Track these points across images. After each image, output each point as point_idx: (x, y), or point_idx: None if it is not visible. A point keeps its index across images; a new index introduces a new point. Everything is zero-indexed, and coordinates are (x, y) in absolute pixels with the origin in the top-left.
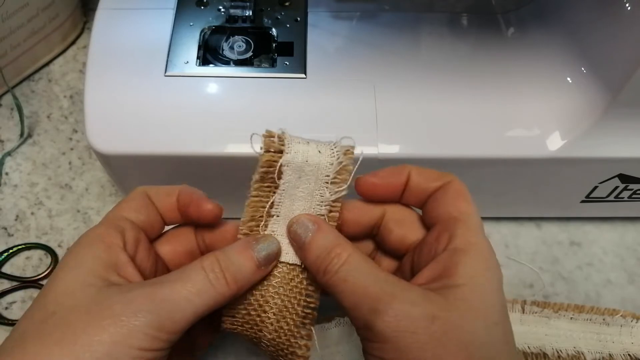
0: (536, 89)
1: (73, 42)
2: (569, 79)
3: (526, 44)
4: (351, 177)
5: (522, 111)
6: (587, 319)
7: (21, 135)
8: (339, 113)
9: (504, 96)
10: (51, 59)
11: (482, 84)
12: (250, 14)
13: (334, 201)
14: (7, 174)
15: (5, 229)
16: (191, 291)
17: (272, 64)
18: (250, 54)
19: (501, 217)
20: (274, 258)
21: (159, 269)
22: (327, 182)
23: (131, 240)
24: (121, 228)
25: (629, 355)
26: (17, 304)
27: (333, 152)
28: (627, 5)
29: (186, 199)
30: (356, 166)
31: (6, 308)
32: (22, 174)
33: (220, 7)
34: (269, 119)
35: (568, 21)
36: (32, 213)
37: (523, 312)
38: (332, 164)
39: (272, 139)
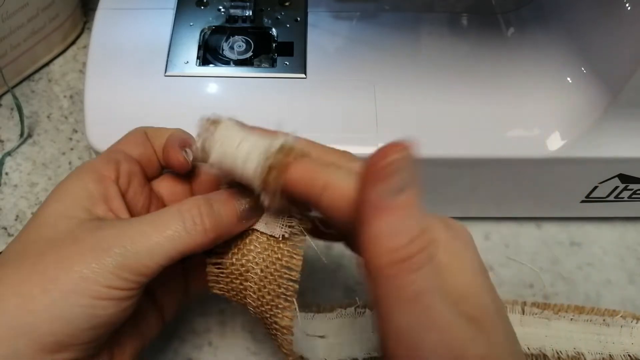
0: (536, 89)
1: (73, 42)
2: (569, 79)
3: (526, 44)
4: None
5: (522, 111)
6: (587, 320)
7: (21, 135)
8: (339, 113)
9: (504, 96)
10: (51, 59)
11: (482, 84)
12: (250, 14)
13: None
14: (7, 174)
15: (5, 229)
16: (163, 235)
17: (272, 64)
18: (250, 54)
19: (501, 217)
20: (254, 215)
21: (154, 206)
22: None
23: (125, 173)
24: (116, 160)
25: (629, 355)
26: None
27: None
28: (627, 5)
29: (167, 143)
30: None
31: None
32: (22, 174)
33: (220, 7)
34: (269, 119)
35: (568, 21)
36: (32, 213)
37: (523, 314)
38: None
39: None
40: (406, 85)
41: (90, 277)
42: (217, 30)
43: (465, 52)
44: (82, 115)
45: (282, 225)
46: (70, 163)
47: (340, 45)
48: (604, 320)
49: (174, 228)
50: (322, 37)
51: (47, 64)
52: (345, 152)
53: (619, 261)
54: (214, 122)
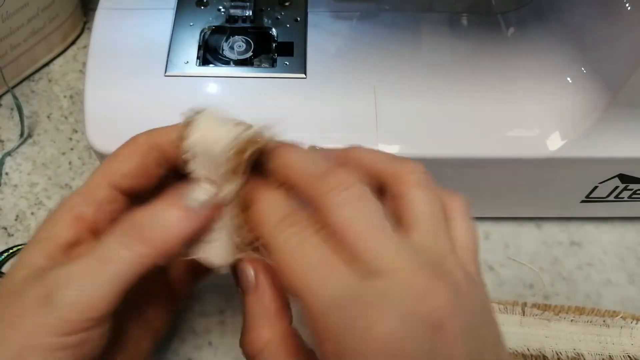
0: (536, 89)
1: (73, 42)
2: (569, 79)
3: (526, 44)
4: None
5: (522, 111)
6: (588, 321)
7: (21, 135)
8: (339, 113)
9: (504, 96)
10: (51, 59)
11: (482, 84)
12: (250, 14)
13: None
14: (7, 174)
15: (5, 229)
16: (106, 268)
17: (272, 64)
18: (250, 54)
19: (501, 217)
20: (208, 207)
21: None
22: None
23: (105, 214)
24: (97, 199)
25: (628, 356)
26: None
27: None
28: (627, 5)
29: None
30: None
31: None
32: (22, 174)
33: (220, 7)
34: (269, 119)
35: (568, 21)
36: (32, 213)
37: (523, 315)
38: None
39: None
40: (406, 85)
41: (37, 331)
42: (217, 30)
43: (465, 52)
44: (82, 115)
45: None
46: (70, 163)
47: (340, 45)
48: (604, 321)
49: (116, 255)
50: (322, 37)
51: (47, 64)
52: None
53: (619, 261)
54: (197, 112)
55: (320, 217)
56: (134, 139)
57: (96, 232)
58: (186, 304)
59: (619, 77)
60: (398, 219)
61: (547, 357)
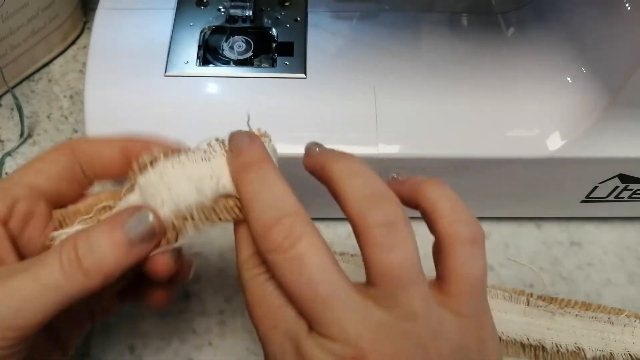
0: (536, 89)
1: (73, 42)
2: (569, 79)
3: (526, 44)
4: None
5: (522, 111)
6: (592, 317)
7: (21, 135)
8: (339, 113)
9: (504, 96)
10: (51, 59)
11: (482, 84)
12: (250, 14)
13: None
14: (7, 174)
15: None
16: (43, 285)
17: (272, 64)
18: (250, 54)
19: (501, 217)
20: (152, 235)
21: None
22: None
23: (20, 214)
24: (12, 197)
25: (629, 354)
26: None
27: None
28: (627, 5)
29: (139, 147)
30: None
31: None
32: None
33: (220, 7)
34: (269, 119)
35: (568, 21)
36: None
37: (527, 304)
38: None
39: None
40: (406, 85)
41: None
42: (217, 30)
43: (465, 52)
44: (82, 115)
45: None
46: None
47: (340, 45)
48: (609, 318)
49: (55, 274)
50: (322, 37)
51: (47, 64)
52: None
53: (619, 261)
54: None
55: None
56: (66, 143)
57: (8, 231)
58: (186, 304)
59: (619, 77)
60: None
61: (547, 349)
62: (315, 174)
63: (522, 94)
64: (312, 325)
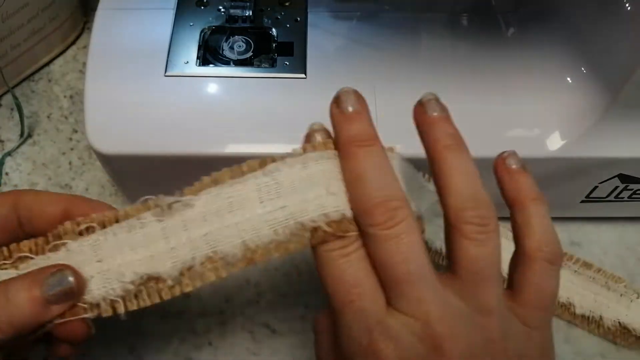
0: (536, 89)
1: (73, 42)
2: (569, 79)
3: (526, 44)
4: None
5: (522, 111)
6: (591, 277)
7: (21, 135)
8: None
9: (504, 96)
10: (51, 59)
11: (482, 84)
12: (250, 14)
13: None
14: (7, 174)
15: None
16: None
17: (272, 64)
18: (250, 54)
19: (501, 217)
20: (70, 297)
21: None
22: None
23: None
24: None
25: (619, 323)
26: None
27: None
28: (627, 5)
29: (86, 209)
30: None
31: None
32: (22, 174)
33: (220, 7)
34: (269, 119)
35: (568, 21)
36: None
37: None
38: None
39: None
40: (406, 86)
41: None
42: (217, 30)
43: (465, 52)
44: (82, 115)
45: None
46: (70, 163)
47: (340, 45)
48: (606, 282)
49: None
50: (322, 37)
51: (47, 64)
52: None
53: (619, 261)
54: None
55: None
56: (10, 193)
57: None
58: (186, 304)
59: (619, 77)
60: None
61: None
62: (419, 129)
63: (522, 94)
64: (393, 302)
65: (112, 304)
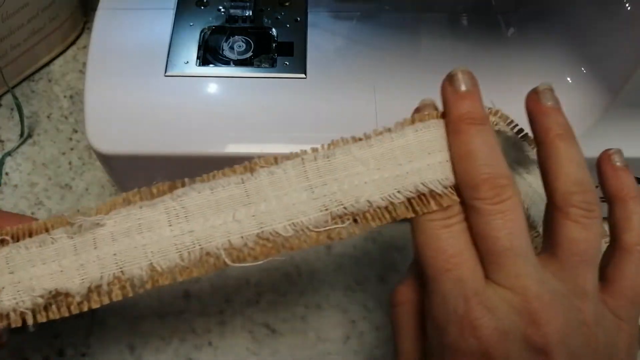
0: None
1: (73, 42)
2: (569, 79)
3: (526, 44)
4: None
5: (522, 111)
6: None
7: (21, 135)
8: (339, 113)
9: (503, 96)
10: (51, 59)
11: (482, 84)
12: (250, 14)
13: None
14: (7, 174)
15: None
16: None
17: (272, 64)
18: (250, 54)
19: None
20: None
21: None
22: None
23: None
24: None
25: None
26: None
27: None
28: (627, 5)
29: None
30: None
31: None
32: (22, 174)
33: (220, 7)
34: (269, 119)
35: (568, 21)
36: (33, 213)
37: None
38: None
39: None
40: (406, 86)
41: None
42: (217, 30)
43: (465, 52)
44: (82, 115)
45: None
46: (70, 163)
47: (340, 45)
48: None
49: None
50: (322, 37)
51: (47, 64)
52: None
53: None
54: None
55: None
56: None
57: None
58: (186, 304)
59: (619, 77)
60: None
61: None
62: (530, 116)
63: (522, 94)
64: (492, 275)
65: (22, 315)
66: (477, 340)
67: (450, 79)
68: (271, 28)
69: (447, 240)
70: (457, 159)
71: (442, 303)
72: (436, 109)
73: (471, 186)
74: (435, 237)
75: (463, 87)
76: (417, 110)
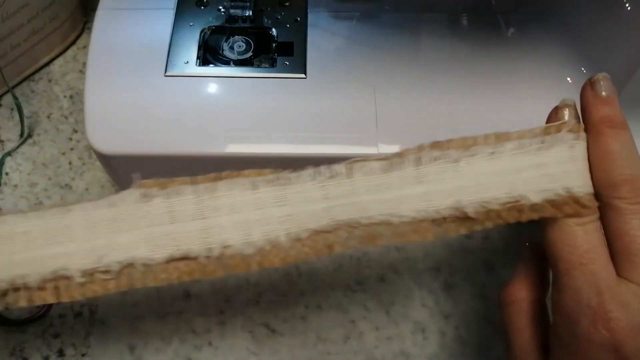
0: (536, 89)
1: (73, 42)
2: (569, 79)
3: (526, 44)
4: None
5: (522, 111)
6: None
7: (21, 135)
8: (339, 113)
9: (504, 96)
10: (51, 59)
11: (482, 84)
12: (250, 14)
13: None
14: (7, 174)
15: None
16: None
17: (272, 64)
18: (250, 54)
19: None
20: None
21: None
22: None
23: None
24: None
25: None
26: None
27: None
28: (627, 5)
29: None
30: None
31: (6, 308)
32: (22, 174)
33: (220, 7)
34: (269, 119)
35: (568, 21)
36: None
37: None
38: None
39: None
40: (406, 86)
41: None
42: (217, 30)
43: (465, 53)
44: (82, 115)
45: None
46: (70, 163)
47: (340, 45)
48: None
49: None
50: (322, 37)
51: (47, 64)
52: None
53: None
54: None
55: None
56: None
57: None
58: (186, 304)
59: (619, 77)
60: None
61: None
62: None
63: (522, 94)
64: (626, 272)
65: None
66: (610, 332)
67: (592, 84)
68: (271, 28)
69: (582, 237)
70: (597, 159)
71: (574, 296)
72: (576, 111)
73: (611, 185)
74: (571, 233)
75: (604, 93)
76: (557, 109)
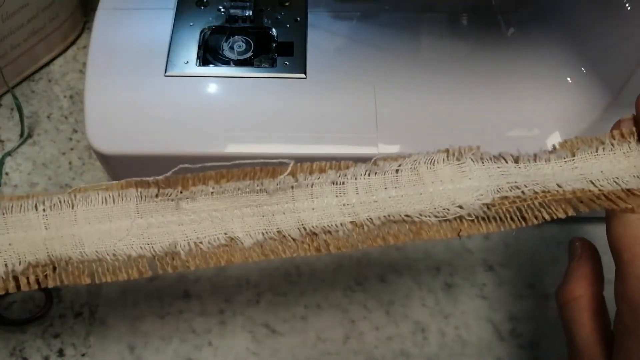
0: (536, 89)
1: (73, 42)
2: (569, 79)
3: (526, 44)
4: None
5: (522, 111)
6: (236, 189)
7: (21, 135)
8: (339, 113)
9: (504, 96)
10: (51, 59)
11: (482, 84)
12: (250, 14)
13: None
14: (7, 174)
15: None
16: None
17: (272, 64)
18: (250, 54)
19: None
20: None
21: None
22: None
23: None
24: None
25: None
26: (17, 304)
27: None
28: (627, 5)
29: None
30: None
31: (6, 308)
32: (22, 174)
33: (220, 7)
34: (269, 119)
35: (568, 21)
36: None
37: (141, 199)
38: None
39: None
40: (406, 86)
41: None
42: (217, 30)
43: (465, 53)
44: (82, 115)
45: None
46: (70, 163)
47: (340, 45)
48: (261, 184)
49: None
50: (322, 37)
51: (47, 64)
52: None
53: None
54: None
55: None
56: None
57: None
58: (186, 304)
59: (619, 77)
60: None
61: (180, 252)
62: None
63: (522, 94)
64: None
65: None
66: None
67: None
68: (271, 28)
69: None
70: None
71: (638, 284)
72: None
73: None
74: (633, 227)
75: None
76: (619, 124)
